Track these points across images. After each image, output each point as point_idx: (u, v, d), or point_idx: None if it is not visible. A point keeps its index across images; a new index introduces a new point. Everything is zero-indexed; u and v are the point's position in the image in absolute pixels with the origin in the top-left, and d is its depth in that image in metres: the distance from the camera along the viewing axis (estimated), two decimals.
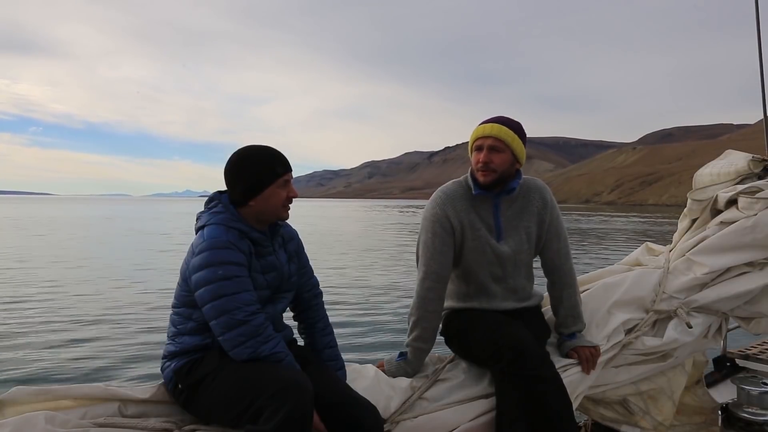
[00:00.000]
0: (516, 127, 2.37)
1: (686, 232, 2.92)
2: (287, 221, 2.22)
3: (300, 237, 2.32)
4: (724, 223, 2.68)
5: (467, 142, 2.43)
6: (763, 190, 2.63)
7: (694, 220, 2.91)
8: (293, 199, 2.11)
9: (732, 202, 2.71)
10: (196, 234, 2.04)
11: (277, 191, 2.05)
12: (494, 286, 2.47)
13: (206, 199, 2.14)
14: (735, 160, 2.90)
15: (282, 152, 2.08)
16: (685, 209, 2.96)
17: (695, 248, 2.70)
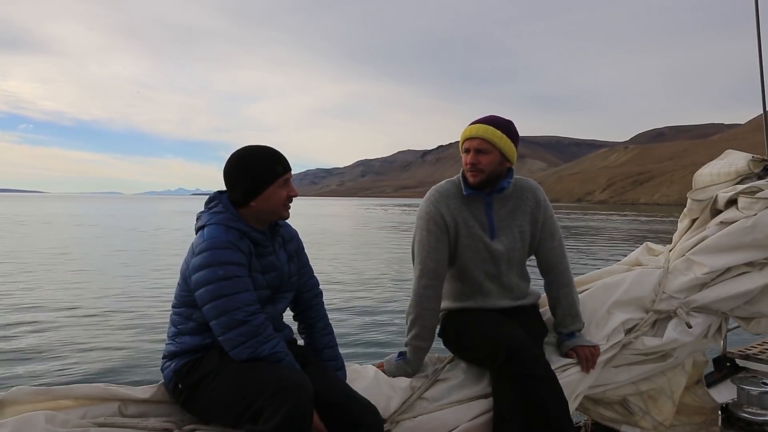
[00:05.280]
0: (505, 126, 2.37)
1: (686, 232, 2.92)
2: (287, 221, 2.23)
3: (300, 237, 2.33)
4: (724, 223, 2.69)
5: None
6: (763, 190, 2.63)
7: (694, 220, 2.91)
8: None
9: (732, 202, 2.72)
10: (196, 234, 2.04)
11: (277, 191, 2.05)
12: (489, 284, 2.48)
13: (206, 198, 2.14)
14: (735, 160, 2.90)
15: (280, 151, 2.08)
16: (685, 209, 2.97)
17: (695, 248, 2.71)
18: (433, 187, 2.50)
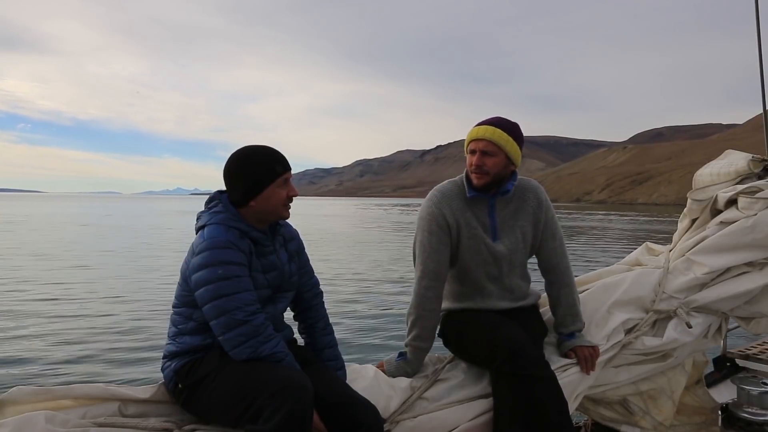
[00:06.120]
0: (511, 129, 2.36)
1: (686, 232, 2.92)
2: (288, 221, 2.23)
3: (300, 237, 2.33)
4: (724, 223, 2.69)
5: (459, 141, 2.44)
6: (763, 190, 2.64)
7: (694, 220, 2.91)
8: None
9: (732, 202, 2.72)
10: (196, 234, 2.04)
11: (277, 191, 2.05)
12: (490, 286, 2.48)
13: (204, 198, 2.14)
14: (735, 160, 2.90)
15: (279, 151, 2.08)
16: (685, 209, 2.97)
17: (695, 248, 2.71)
18: (435, 187, 2.48)
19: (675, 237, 2.99)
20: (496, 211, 2.43)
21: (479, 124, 2.38)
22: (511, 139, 2.34)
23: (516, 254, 2.46)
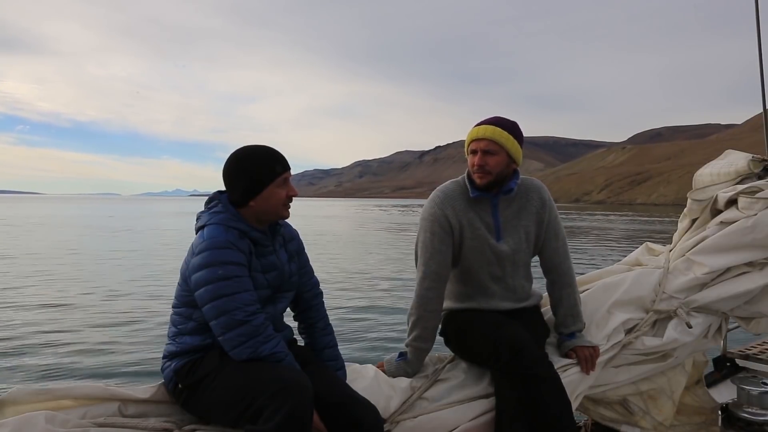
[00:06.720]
0: (511, 128, 2.36)
1: (686, 232, 2.92)
2: (288, 221, 2.23)
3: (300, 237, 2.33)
4: (724, 223, 2.69)
5: (458, 142, 2.44)
6: (763, 190, 2.64)
7: (694, 220, 2.91)
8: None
9: (732, 202, 2.72)
10: (196, 234, 2.04)
11: (276, 190, 2.05)
12: (493, 286, 2.47)
13: (204, 199, 2.14)
14: (735, 160, 2.90)
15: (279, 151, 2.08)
16: (685, 209, 2.97)
17: (695, 248, 2.71)
18: (438, 188, 2.47)
19: (675, 237, 2.99)
20: (499, 211, 2.42)
21: (479, 124, 2.38)
22: (511, 137, 2.34)
23: (519, 254, 2.45)
